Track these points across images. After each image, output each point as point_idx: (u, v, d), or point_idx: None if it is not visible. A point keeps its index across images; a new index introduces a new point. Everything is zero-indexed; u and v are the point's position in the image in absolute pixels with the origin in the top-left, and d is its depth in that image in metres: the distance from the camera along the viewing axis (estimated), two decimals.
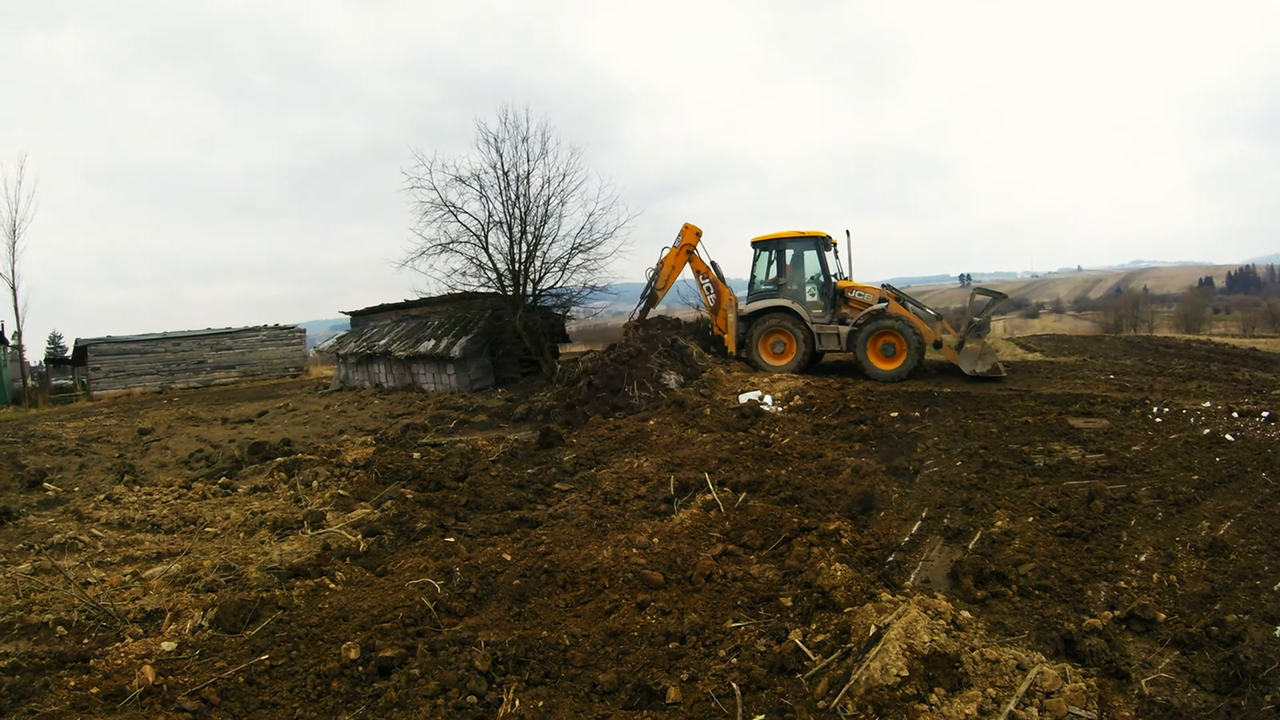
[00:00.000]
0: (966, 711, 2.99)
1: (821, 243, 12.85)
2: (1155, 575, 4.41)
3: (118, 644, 4.18)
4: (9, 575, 5.41)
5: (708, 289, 13.40)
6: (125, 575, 5.57)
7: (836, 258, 13.13)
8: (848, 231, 13.17)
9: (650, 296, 13.97)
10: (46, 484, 9.21)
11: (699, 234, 13.50)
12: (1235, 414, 7.43)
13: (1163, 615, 3.95)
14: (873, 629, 3.45)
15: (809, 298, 12.81)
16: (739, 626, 3.97)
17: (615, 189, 24.20)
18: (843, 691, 3.19)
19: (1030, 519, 5.40)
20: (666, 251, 13.63)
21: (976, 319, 11.80)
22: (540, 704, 3.32)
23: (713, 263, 13.55)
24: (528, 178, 15.62)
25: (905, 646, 3.25)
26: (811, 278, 12.95)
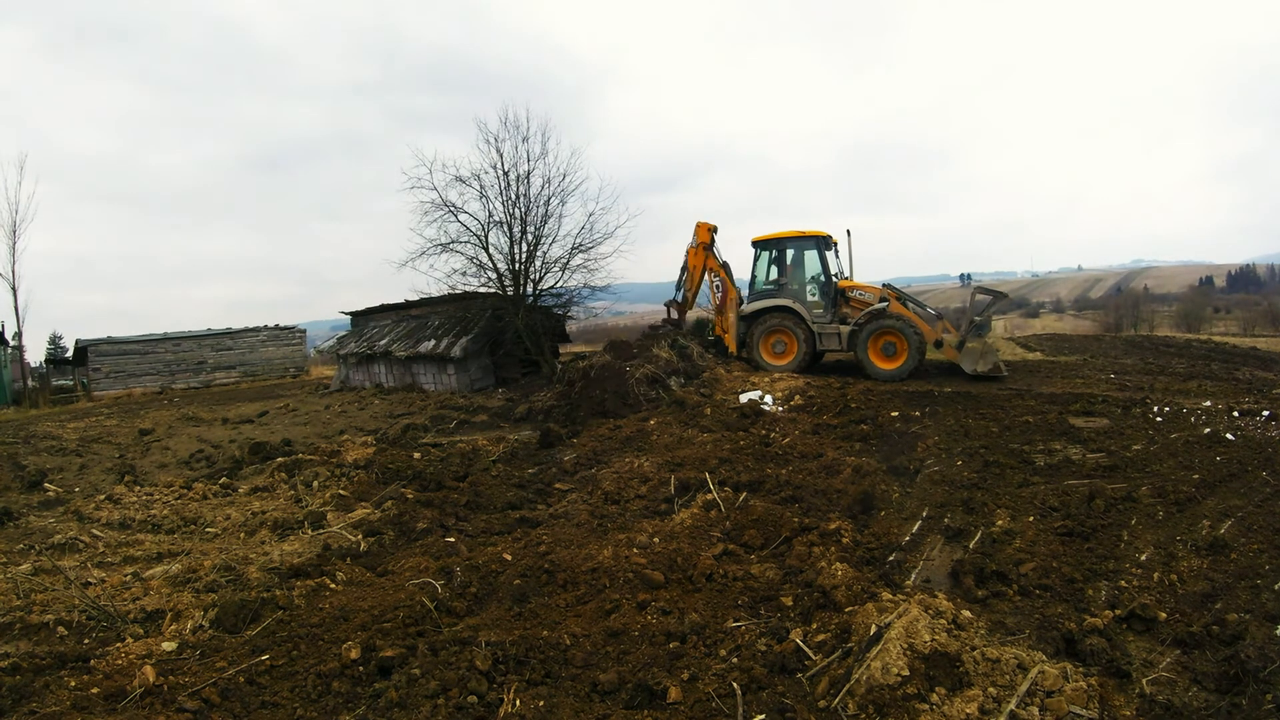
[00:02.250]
0: (967, 711, 2.99)
1: (822, 242, 12.88)
2: (1156, 574, 4.41)
3: (118, 644, 4.17)
4: (9, 575, 5.41)
5: (717, 287, 13.48)
6: (126, 575, 5.56)
7: (837, 257, 13.17)
8: (848, 231, 13.22)
9: (684, 301, 14.22)
10: (47, 484, 9.21)
11: (713, 230, 13.59)
12: (1236, 413, 7.42)
13: (1163, 614, 3.95)
14: (873, 628, 3.45)
15: (810, 297, 12.83)
16: (739, 626, 3.97)
17: (615, 188, 24.22)
18: (844, 691, 3.19)
19: (1031, 518, 5.40)
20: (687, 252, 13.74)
21: (977, 318, 11.81)
22: (541, 704, 3.31)
23: (724, 263, 13.63)
24: (528, 178, 15.63)
25: (906, 646, 3.24)
26: (812, 277, 12.98)
